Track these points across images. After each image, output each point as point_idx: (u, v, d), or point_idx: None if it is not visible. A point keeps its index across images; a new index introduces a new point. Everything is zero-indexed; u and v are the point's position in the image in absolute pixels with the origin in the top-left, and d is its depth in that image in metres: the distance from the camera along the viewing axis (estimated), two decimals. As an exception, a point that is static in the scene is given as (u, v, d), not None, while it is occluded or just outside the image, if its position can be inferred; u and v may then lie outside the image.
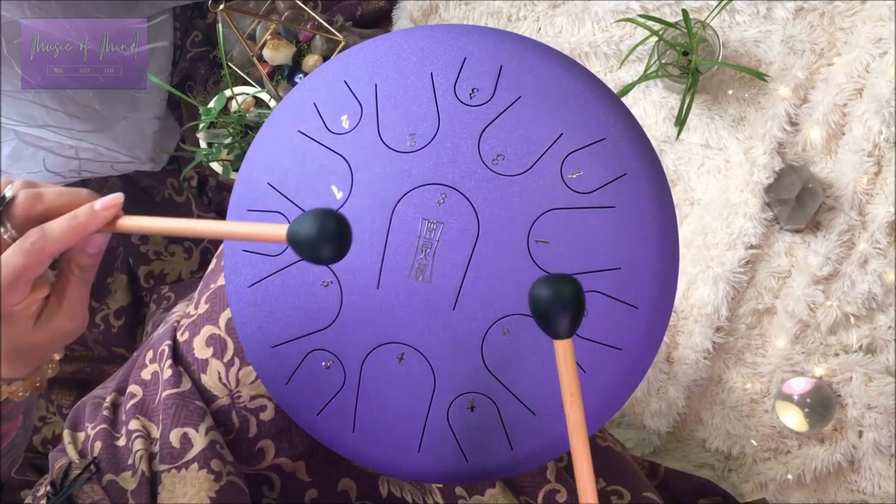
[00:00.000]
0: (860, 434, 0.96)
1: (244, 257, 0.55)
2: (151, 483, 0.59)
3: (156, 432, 0.62)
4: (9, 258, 0.41)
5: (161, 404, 0.61)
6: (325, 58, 1.12)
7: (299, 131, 0.56)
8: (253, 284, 0.55)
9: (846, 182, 0.98)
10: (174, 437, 0.59)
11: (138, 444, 0.60)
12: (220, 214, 1.22)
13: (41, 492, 0.60)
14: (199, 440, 0.59)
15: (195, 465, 0.58)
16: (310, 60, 1.12)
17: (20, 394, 0.48)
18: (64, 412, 1.12)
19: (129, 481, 0.59)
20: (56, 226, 0.42)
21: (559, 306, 0.37)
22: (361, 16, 1.18)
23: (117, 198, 0.43)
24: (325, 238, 0.37)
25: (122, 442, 0.62)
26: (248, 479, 0.62)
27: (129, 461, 0.60)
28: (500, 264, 0.52)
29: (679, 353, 1.02)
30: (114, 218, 0.43)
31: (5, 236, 0.41)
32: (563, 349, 0.39)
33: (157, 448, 0.61)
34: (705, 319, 0.99)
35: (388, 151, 0.55)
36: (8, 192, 0.42)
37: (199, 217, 1.21)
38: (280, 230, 0.38)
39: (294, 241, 0.37)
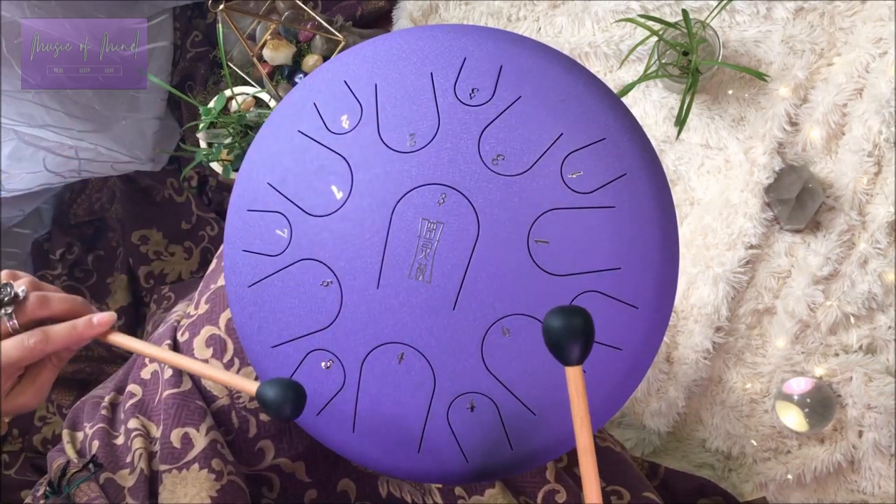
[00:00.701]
0: (860, 434, 0.96)
1: (244, 257, 0.55)
2: (151, 482, 0.59)
3: (155, 431, 0.62)
4: (10, 350, 0.47)
5: (161, 404, 0.61)
6: (325, 58, 1.12)
7: (299, 131, 0.56)
8: (253, 284, 0.55)
9: (846, 182, 0.98)
10: (175, 437, 0.60)
11: (137, 443, 0.60)
12: (221, 214, 1.22)
13: (41, 491, 0.60)
14: (199, 440, 0.59)
15: (196, 465, 0.58)
16: (310, 60, 1.12)
17: None
18: (64, 412, 1.12)
19: (126, 479, 0.59)
20: (57, 331, 0.49)
21: (571, 336, 0.40)
22: (361, 16, 1.18)
23: (112, 317, 0.51)
24: (286, 402, 0.45)
25: (120, 440, 0.62)
26: (247, 480, 0.62)
27: (128, 459, 0.60)
28: (500, 264, 0.52)
29: (679, 353, 1.02)
30: (105, 333, 0.52)
31: (8, 325, 0.48)
32: (574, 375, 0.41)
33: (156, 447, 0.61)
34: (705, 319, 0.99)
35: (388, 151, 0.55)
36: (20, 291, 0.49)
37: (199, 214, 1.21)
38: (251, 387, 0.47)
39: (261, 401, 0.46)
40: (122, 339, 0.52)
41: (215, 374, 0.50)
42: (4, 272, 0.51)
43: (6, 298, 0.48)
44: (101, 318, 0.51)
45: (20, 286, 0.49)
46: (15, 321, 0.48)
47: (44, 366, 0.52)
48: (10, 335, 0.48)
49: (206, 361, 0.62)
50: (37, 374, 0.51)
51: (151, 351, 0.52)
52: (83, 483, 0.58)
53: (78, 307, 0.52)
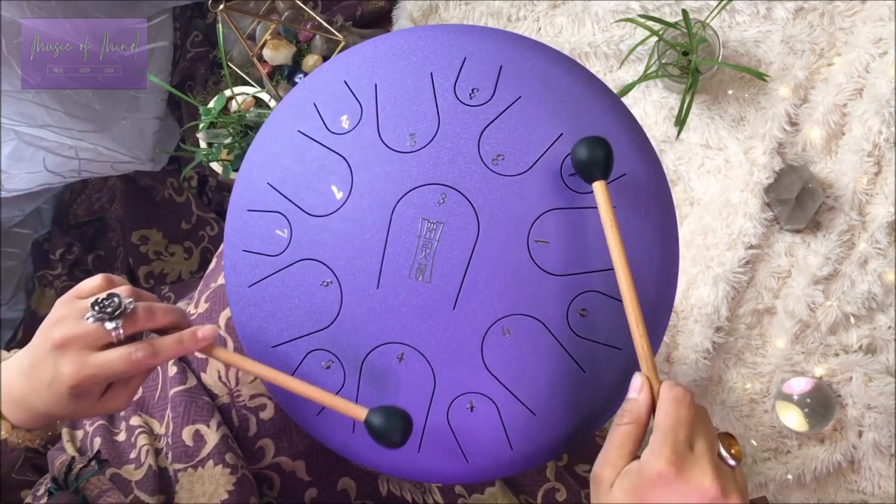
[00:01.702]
0: (860, 434, 0.96)
1: (244, 257, 0.55)
2: (160, 476, 0.59)
3: (158, 428, 0.62)
4: (116, 363, 0.46)
5: (169, 402, 0.61)
6: (325, 58, 1.12)
7: (299, 131, 0.56)
8: (253, 284, 0.55)
9: (846, 182, 0.98)
10: (186, 434, 0.60)
11: (143, 440, 0.60)
12: (220, 214, 1.22)
13: (41, 491, 0.60)
14: (211, 436, 0.59)
15: (210, 462, 0.59)
16: (310, 60, 1.12)
17: (36, 442, 0.51)
18: (64, 412, 1.12)
19: (133, 473, 0.59)
20: (166, 345, 0.48)
21: (595, 158, 0.49)
22: (361, 16, 1.18)
23: (214, 330, 0.51)
24: (394, 430, 0.47)
25: (121, 437, 0.62)
26: (251, 477, 0.62)
27: (132, 455, 0.60)
28: (500, 264, 0.52)
29: (679, 353, 1.02)
30: (209, 346, 0.51)
31: (113, 336, 0.46)
32: (600, 189, 0.49)
33: (162, 443, 0.61)
34: (705, 319, 0.99)
35: (388, 151, 0.55)
36: (128, 302, 0.47)
37: (199, 214, 1.21)
38: (361, 413, 0.48)
39: (369, 427, 0.47)
40: (225, 355, 0.51)
41: (321, 396, 0.49)
42: (100, 278, 0.49)
43: (116, 312, 0.46)
44: (206, 333, 0.50)
45: (127, 297, 0.48)
46: (121, 332, 0.46)
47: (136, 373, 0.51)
48: (114, 346, 0.47)
49: (206, 360, 0.62)
50: (129, 380, 0.50)
51: (258, 370, 0.50)
52: (92, 477, 0.58)
53: (180, 318, 0.51)
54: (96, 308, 0.46)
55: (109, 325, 0.46)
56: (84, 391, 0.46)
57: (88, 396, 0.47)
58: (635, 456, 0.44)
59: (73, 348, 0.45)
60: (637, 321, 0.46)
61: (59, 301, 0.48)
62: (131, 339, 0.48)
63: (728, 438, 0.44)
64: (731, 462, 0.43)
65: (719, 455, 0.43)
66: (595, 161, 0.49)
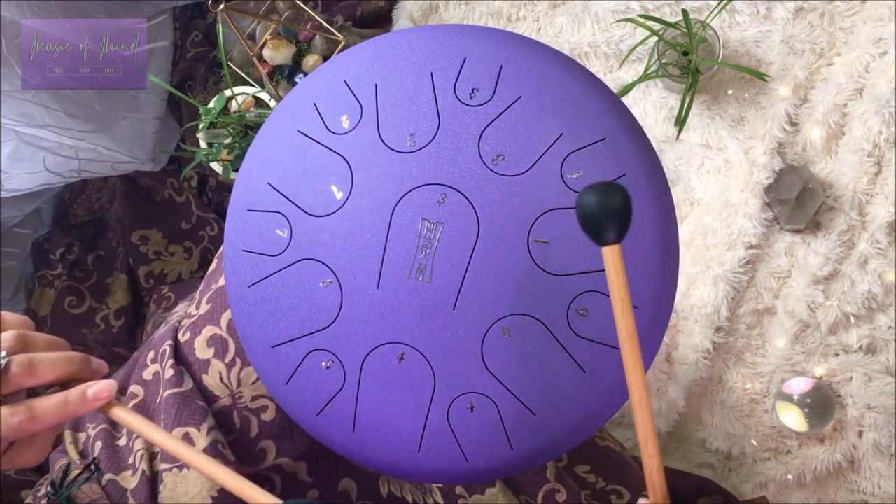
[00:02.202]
0: (860, 434, 0.96)
1: (244, 257, 0.55)
2: (152, 482, 0.59)
3: None
4: None
5: (163, 404, 0.61)
6: (325, 58, 1.12)
7: (299, 131, 0.56)
8: (253, 284, 0.55)
9: (846, 182, 0.98)
10: (175, 435, 0.59)
11: (139, 444, 0.60)
12: (221, 214, 1.22)
13: (42, 492, 0.60)
14: (201, 440, 0.59)
15: None
16: (310, 60, 1.12)
17: None
18: (64, 412, 1.12)
19: (129, 480, 0.59)
20: (45, 408, 0.42)
21: (608, 214, 0.37)
22: (361, 16, 1.18)
23: (110, 387, 0.44)
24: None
25: (122, 441, 0.62)
26: (249, 480, 0.62)
27: (130, 460, 0.60)
28: (500, 264, 0.52)
29: (679, 353, 1.02)
30: (104, 406, 0.44)
31: None
32: (612, 255, 0.38)
33: (157, 447, 0.61)
34: (705, 319, 0.99)
35: (388, 151, 0.55)
36: (1, 358, 0.41)
37: (199, 214, 1.21)
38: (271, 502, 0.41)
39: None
40: (125, 416, 0.45)
41: (229, 481, 0.43)
42: None
43: None
44: (98, 392, 0.44)
45: (3, 349, 0.42)
46: None
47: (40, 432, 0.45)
48: None
49: (207, 362, 0.62)
50: (33, 438, 0.45)
51: (159, 439, 0.45)
52: (84, 484, 0.58)
53: (77, 369, 0.45)
54: None
55: None
56: None
57: None
58: None
59: None
60: (648, 437, 0.38)
61: None
62: (33, 393, 0.43)
63: None
64: None
65: None
66: (610, 216, 0.38)
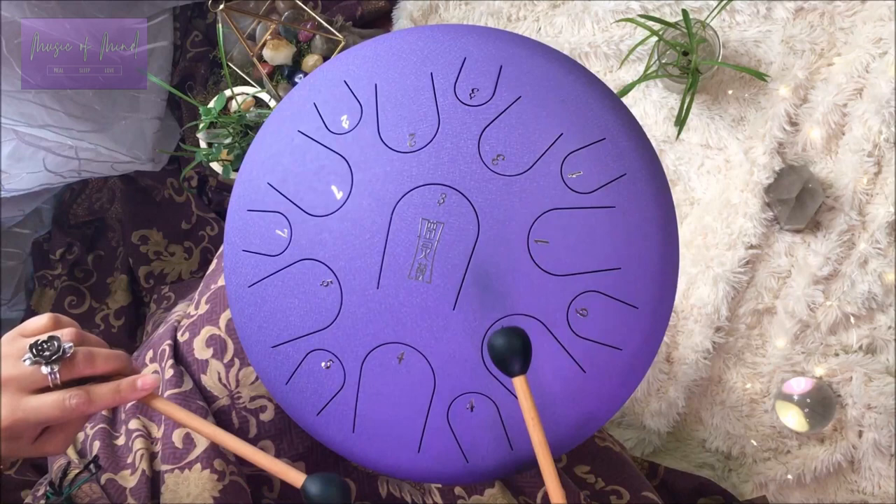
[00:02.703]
0: (860, 434, 0.96)
1: (244, 257, 0.55)
2: (152, 482, 0.59)
3: (156, 431, 0.62)
4: (49, 409, 0.45)
5: None
6: (325, 58, 1.12)
7: (299, 131, 0.56)
8: (253, 284, 0.55)
9: (846, 182, 0.98)
10: (177, 437, 0.60)
11: (139, 444, 0.60)
12: (221, 214, 1.22)
13: (41, 491, 0.60)
14: (201, 440, 0.59)
15: (198, 465, 0.58)
16: (310, 60, 1.12)
17: None
18: (64, 412, 1.12)
19: (128, 479, 0.59)
20: (101, 394, 0.47)
21: (512, 352, 0.46)
22: (361, 16, 1.18)
23: (156, 380, 0.50)
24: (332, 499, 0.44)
25: (121, 441, 0.62)
26: (248, 480, 0.62)
27: (129, 460, 0.60)
28: (500, 264, 0.52)
29: (679, 353, 1.02)
30: (148, 396, 0.50)
31: (49, 379, 0.46)
32: (520, 384, 0.47)
33: (157, 447, 0.61)
34: (705, 319, 0.99)
35: (388, 151, 0.55)
36: (67, 346, 0.46)
37: (199, 214, 1.21)
38: (299, 478, 0.45)
39: (306, 495, 0.45)
40: (166, 407, 0.50)
41: (262, 460, 0.47)
42: (46, 318, 0.48)
43: (53, 356, 0.45)
44: (146, 383, 0.49)
45: (67, 341, 0.47)
46: (58, 376, 0.45)
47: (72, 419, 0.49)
48: (49, 390, 0.46)
49: (206, 362, 0.62)
50: (65, 426, 0.49)
51: (198, 425, 0.49)
52: (84, 484, 0.58)
53: (124, 365, 0.50)
54: (34, 350, 0.45)
55: (45, 370, 0.45)
56: (15, 434, 0.45)
57: (20, 439, 0.46)
58: None
59: (8, 390, 0.45)
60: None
61: (5, 337, 0.47)
62: (74, 383, 0.47)
63: None
64: None
65: None
66: (513, 352, 0.46)
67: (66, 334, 0.47)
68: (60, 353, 0.46)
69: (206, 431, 0.49)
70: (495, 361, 0.47)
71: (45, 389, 0.46)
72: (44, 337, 0.46)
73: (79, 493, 0.58)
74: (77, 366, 0.47)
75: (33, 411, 0.45)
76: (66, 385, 0.47)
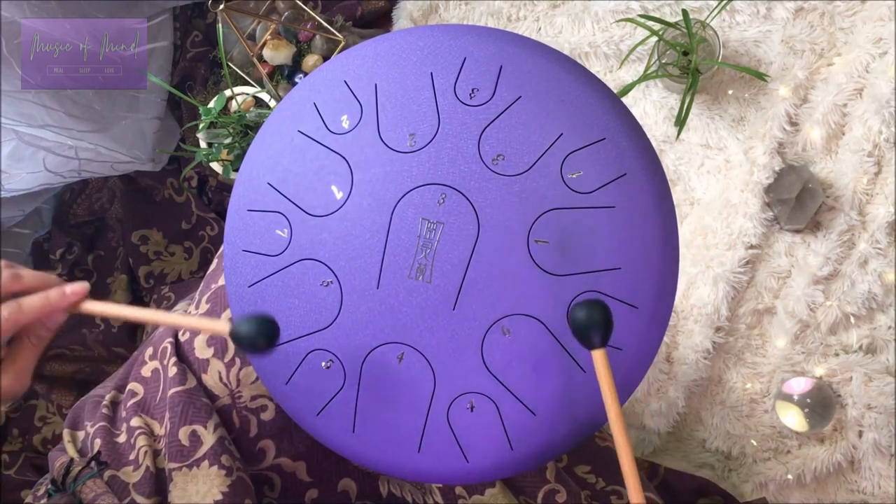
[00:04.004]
0: (860, 434, 0.96)
1: (245, 257, 0.55)
2: (158, 478, 0.59)
3: (159, 429, 0.62)
4: None
5: (168, 402, 0.61)
6: (325, 58, 1.12)
7: (299, 131, 0.56)
8: (253, 284, 0.55)
9: (846, 182, 0.98)
10: (183, 434, 0.60)
11: (142, 441, 0.60)
12: (221, 214, 1.22)
13: (41, 491, 0.60)
14: (208, 437, 0.59)
15: (206, 463, 0.59)
16: (310, 60, 1.12)
17: None
18: (64, 412, 1.12)
19: (131, 475, 0.59)
20: (30, 302, 0.49)
21: (593, 325, 0.46)
22: (361, 16, 1.18)
23: (84, 287, 0.51)
24: (259, 336, 0.47)
25: (122, 438, 0.62)
26: (249, 479, 0.62)
27: (131, 456, 0.60)
28: (500, 264, 0.52)
29: (679, 353, 1.02)
30: (78, 303, 0.51)
31: None
32: (600, 357, 0.47)
33: (161, 444, 0.61)
34: (705, 319, 0.99)
35: (388, 151, 0.55)
36: None
37: (199, 214, 1.21)
38: (224, 326, 0.48)
39: (235, 338, 0.47)
40: (95, 307, 0.51)
41: (184, 322, 0.49)
42: None
43: None
44: (74, 288, 0.50)
45: None
46: None
47: (22, 345, 0.51)
48: None
49: (206, 361, 0.62)
50: (16, 355, 0.50)
51: (126, 312, 0.51)
52: (89, 480, 0.58)
53: (51, 282, 0.51)
54: None
55: None
56: None
57: None
58: None
59: None
60: (637, 494, 0.45)
61: None
62: None
63: None
64: None
65: None
66: (594, 326, 0.47)
67: None
68: None
69: (141, 316, 0.51)
70: (576, 334, 0.47)
71: None
72: None
73: (83, 488, 0.58)
74: (5, 282, 0.48)
75: None
76: None
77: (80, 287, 0.50)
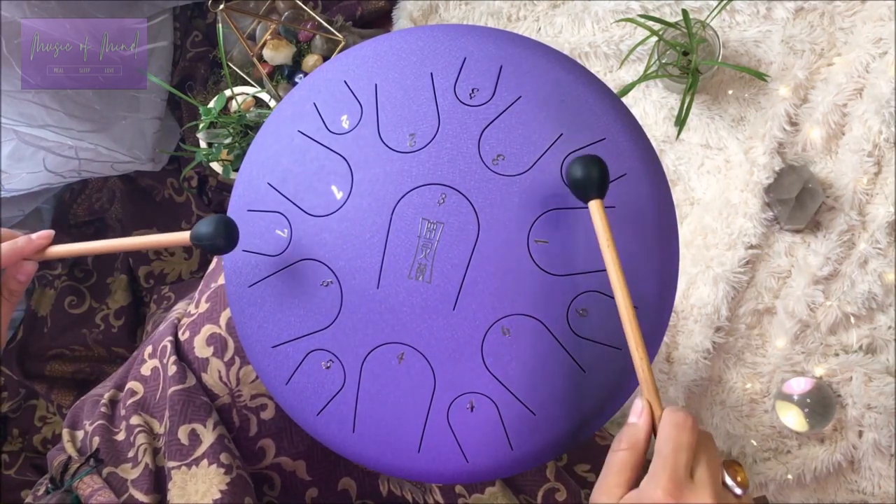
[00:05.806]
0: (860, 434, 0.96)
1: (245, 257, 0.55)
2: (157, 476, 0.59)
3: (158, 427, 0.62)
4: None
5: (167, 400, 0.61)
6: (325, 58, 1.12)
7: (299, 131, 0.56)
8: (253, 284, 0.55)
9: (846, 182, 0.98)
10: (182, 433, 0.60)
11: (141, 439, 0.61)
12: (221, 214, 1.22)
13: (41, 491, 0.60)
14: (207, 436, 0.59)
15: (205, 461, 0.59)
16: (310, 60, 1.12)
17: None
18: (64, 412, 1.12)
19: (129, 472, 0.59)
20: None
21: (590, 177, 0.48)
22: (361, 16, 1.18)
23: (49, 232, 0.53)
24: (219, 236, 0.49)
25: (121, 436, 0.62)
26: (250, 477, 0.62)
27: (130, 454, 0.60)
28: (500, 264, 0.52)
29: (679, 353, 1.02)
30: (45, 247, 0.53)
31: None
32: (596, 208, 0.48)
33: (160, 443, 0.61)
34: (705, 319, 0.99)
35: (388, 151, 0.55)
36: None
37: (199, 214, 1.21)
38: (184, 235, 0.50)
39: (196, 240, 0.49)
40: (61, 249, 0.53)
41: (146, 241, 0.51)
42: None
43: None
44: (40, 234, 0.53)
45: None
46: None
47: None
48: None
49: (206, 360, 0.62)
50: None
51: (90, 247, 0.52)
52: (86, 476, 0.58)
53: (16, 235, 0.54)
54: None
55: None
56: None
57: None
58: (635, 484, 0.41)
59: None
60: (637, 345, 0.45)
61: None
62: None
63: (733, 465, 0.42)
64: (738, 491, 0.41)
65: (724, 483, 0.41)
66: (590, 178, 0.48)
67: None
68: None
69: (104, 247, 0.52)
70: (573, 188, 0.49)
71: None
72: None
73: (80, 484, 0.58)
74: None
75: None
76: None
77: (45, 233, 0.53)
